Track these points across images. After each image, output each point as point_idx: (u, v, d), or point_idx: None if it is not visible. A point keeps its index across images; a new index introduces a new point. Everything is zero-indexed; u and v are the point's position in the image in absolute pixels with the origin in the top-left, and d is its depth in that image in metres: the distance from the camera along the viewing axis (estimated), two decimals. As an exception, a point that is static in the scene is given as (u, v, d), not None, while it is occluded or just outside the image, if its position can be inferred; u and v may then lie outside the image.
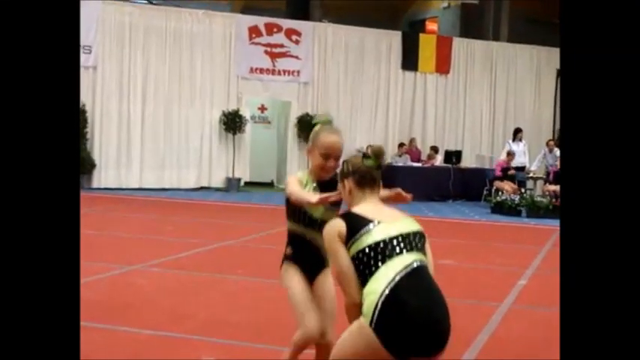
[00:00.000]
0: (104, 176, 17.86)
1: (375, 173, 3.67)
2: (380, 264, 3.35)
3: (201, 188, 18.79)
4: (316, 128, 4.29)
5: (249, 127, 19.34)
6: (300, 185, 4.17)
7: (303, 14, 20.84)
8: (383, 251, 3.37)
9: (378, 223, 3.44)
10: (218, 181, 19.06)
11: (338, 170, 4.08)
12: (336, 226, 3.49)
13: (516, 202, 15.75)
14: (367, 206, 3.56)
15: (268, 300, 6.83)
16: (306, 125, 19.44)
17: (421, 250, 3.48)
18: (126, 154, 18.22)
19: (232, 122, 18.75)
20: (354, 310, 3.40)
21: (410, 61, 21.07)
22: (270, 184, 20.74)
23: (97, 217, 12.43)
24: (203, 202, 16.21)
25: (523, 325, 6.38)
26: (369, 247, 3.37)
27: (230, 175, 18.96)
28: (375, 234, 3.40)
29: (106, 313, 6.04)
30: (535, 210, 15.35)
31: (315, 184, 4.22)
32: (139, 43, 18.36)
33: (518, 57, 22.29)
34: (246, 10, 23.40)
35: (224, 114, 18.80)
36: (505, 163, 17.83)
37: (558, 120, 22.39)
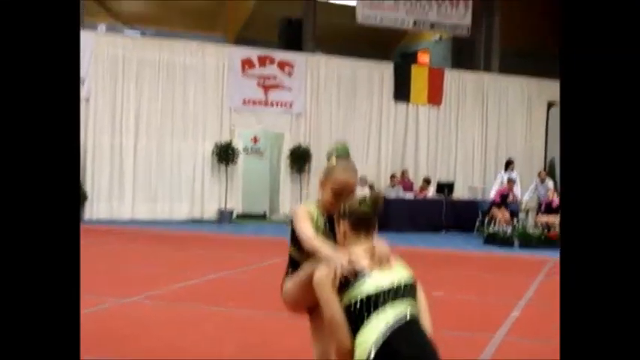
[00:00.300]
0: (96, 208, 17.84)
1: (371, 218, 3.68)
2: (372, 314, 3.37)
3: (194, 220, 18.77)
4: (332, 160, 4.13)
5: (241, 159, 19.37)
6: (310, 220, 4.04)
7: (296, 46, 20.96)
8: (375, 302, 3.38)
9: (371, 272, 3.45)
10: (211, 213, 19.04)
11: None
12: (332, 274, 3.50)
13: (509, 233, 15.79)
14: (360, 252, 3.56)
15: (263, 333, 6.81)
16: (298, 157, 19.51)
17: (412, 299, 3.50)
18: (118, 186, 18.22)
19: (225, 154, 18.79)
20: (346, 357, 3.41)
21: (402, 92, 21.19)
22: (262, 216, 20.72)
23: (90, 250, 12.39)
24: (196, 234, 16.18)
25: (516, 358, 6.36)
26: (361, 296, 3.39)
27: (222, 207, 18.96)
28: (367, 285, 3.41)
29: (100, 346, 6.01)
30: (528, 241, 15.38)
31: (325, 219, 4.09)
32: (132, 75, 18.42)
33: (509, 88, 22.47)
34: (239, 41, 23.51)
35: (217, 146, 18.85)
36: (506, 190, 17.88)
37: (549, 151, 22.53)
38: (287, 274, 4.23)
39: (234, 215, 19.27)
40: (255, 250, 13.78)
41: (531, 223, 17.88)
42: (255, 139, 20.91)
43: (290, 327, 6.60)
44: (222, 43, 22.39)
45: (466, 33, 22.35)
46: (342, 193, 4.00)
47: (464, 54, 24.62)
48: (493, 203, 17.82)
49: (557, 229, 15.91)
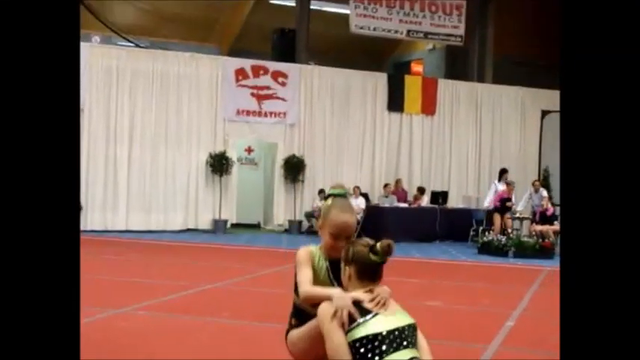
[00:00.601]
0: (90, 218, 17.80)
1: (378, 268, 3.64)
2: (380, 356, 3.35)
3: (188, 230, 18.76)
4: (328, 202, 4.07)
5: (235, 169, 19.38)
6: (311, 265, 4.00)
7: (290, 56, 21.00)
8: (379, 346, 3.36)
9: (375, 315, 3.44)
10: (205, 223, 19.03)
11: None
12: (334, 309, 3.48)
13: (503, 242, 15.79)
14: (362, 294, 3.55)
15: (257, 343, 6.80)
16: (292, 167, 19.51)
17: (414, 344, 3.48)
18: (112, 197, 18.21)
19: (219, 164, 18.80)
20: None
21: (396, 102, 21.22)
22: (256, 226, 20.72)
23: (84, 260, 12.34)
24: (190, 244, 16.16)
25: (511, 367, 6.35)
26: (366, 338, 3.37)
27: (217, 217, 18.94)
28: (371, 326, 3.40)
29: (96, 355, 5.99)
30: (522, 250, 15.39)
31: (327, 264, 4.03)
32: (126, 85, 18.44)
33: (503, 98, 22.50)
34: (232, 52, 23.57)
35: (211, 156, 18.85)
36: (505, 194, 17.84)
37: (544, 160, 22.57)
38: (291, 324, 4.16)
39: (229, 225, 19.26)
40: (249, 260, 13.76)
41: (525, 232, 17.92)
42: (249, 150, 20.94)
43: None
44: (215, 53, 22.43)
45: (460, 42, 22.42)
46: (340, 235, 3.95)
47: (457, 63, 24.70)
48: (494, 209, 17.76)
49: (552, 238, 15.94)
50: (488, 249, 15.84)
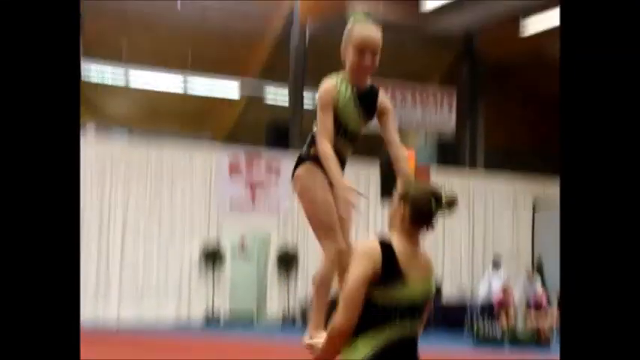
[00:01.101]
0: (82, 310, 17.55)
1: (435, 218, 3.50)
2: (386, 324, 3.28)
3: (181, 324, 18.51)
4: (349, 23, 3.86)
5: (228, 262, 19.29)
6: (333, 102, 3.86)
7: (284, 144, 21.12)
8: (392, 315, 3.29)
9: (403, 280, 3.32)
10: (197, 316, 18.82)
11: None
12: (374, 255, 3.32)
13: (499, 333, 15.68)
14: (406, 248, 3.43)
15: None
16: (286, 258, 19.43)
17: (420, 314, 3.43)
18: (104, 289, 18.05)
19: (212, 257, 18.73)
20: (339, 337, 3.28)
21: (389, 190, 21.22)
22: (250, 319, 20.49)
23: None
24: (182, 338, 15.97)
25: None
26: (384, 305, 3.27)
27: (210, 310, 18.77)
28: (398, 292, 3.29)
29: None
30: (517, 341, 15.27)
31: (354, 92, 3.89)
32: (120, 176, 18.49)
33: (494, 187, 22.61)
34: (227, 144, 23.73)
35: (203, 248, 18.79)
36: (502, 299, 17.65)
37: (536, 248, 22.55)
38: (309, 153, 4.16)
39: (222, 318, 19.05)
40: (242, 354, 13.58)
41: (520, 322, 17.74)
42: (243, 241, 20.84)
43: None
44: (209, 145, 22.60)
45: (451, 135, 22.69)
46: (366, 49, 3.78)
47: (449, 152, 24.93)
48: (495, 309, 17.51)
49: (546, 328, 15.84)
50: (484, 340, 15.69)
